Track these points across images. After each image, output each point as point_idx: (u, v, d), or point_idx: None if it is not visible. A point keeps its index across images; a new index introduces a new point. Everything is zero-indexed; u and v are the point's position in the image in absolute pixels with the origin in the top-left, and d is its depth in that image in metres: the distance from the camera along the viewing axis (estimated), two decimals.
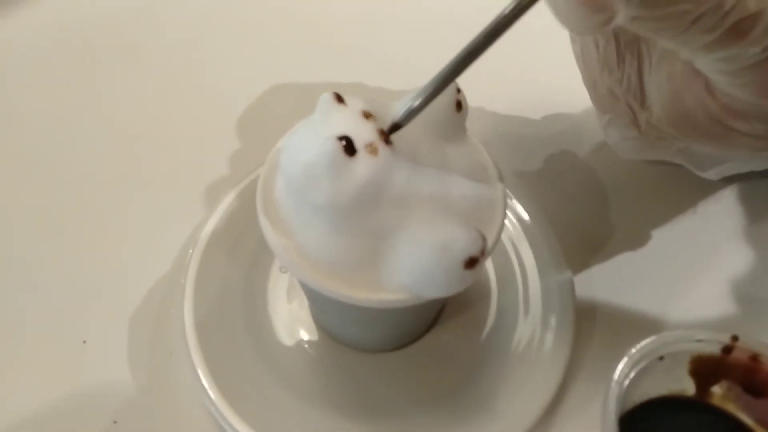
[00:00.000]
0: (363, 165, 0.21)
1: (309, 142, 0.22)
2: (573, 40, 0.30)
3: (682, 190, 0.36)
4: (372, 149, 0.21)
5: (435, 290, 0.22)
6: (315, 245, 0.22)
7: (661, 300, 0.33)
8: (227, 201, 0.33)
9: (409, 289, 0.22)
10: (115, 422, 0.29)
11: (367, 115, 0.22)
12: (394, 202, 0.22)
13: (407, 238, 0.22)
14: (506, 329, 0.31)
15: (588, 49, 0.29)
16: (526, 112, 0.40)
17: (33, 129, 0.40)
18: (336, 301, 0.23)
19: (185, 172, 0.37)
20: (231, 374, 0.29)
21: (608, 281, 0.33)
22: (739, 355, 0.25)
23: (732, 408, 0.26)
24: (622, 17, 0.18)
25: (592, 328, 0.32)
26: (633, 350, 0.25)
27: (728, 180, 0.36)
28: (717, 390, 0.26)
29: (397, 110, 0.22)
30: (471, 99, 0.25)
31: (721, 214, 0.36)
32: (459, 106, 0.24)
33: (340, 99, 0.23)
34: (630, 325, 0.32)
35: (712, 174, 0.32)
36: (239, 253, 0.32)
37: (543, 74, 0.41)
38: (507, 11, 0.19)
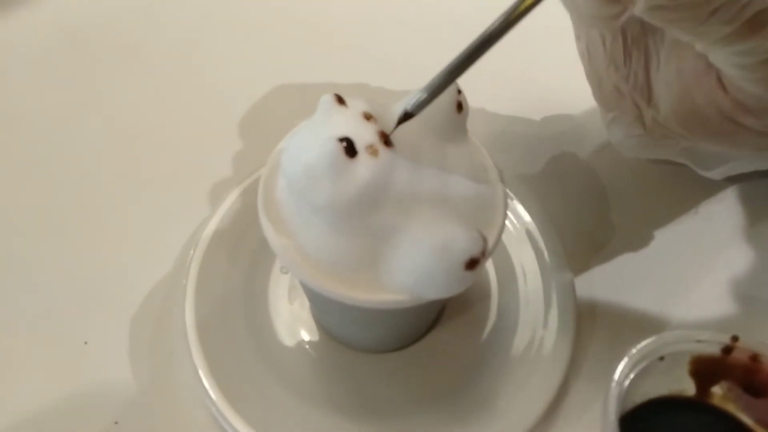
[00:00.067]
0: (363, 166, 0.21)
1: (310, 143, 0.22)
2: (578, 38, 0.30)
3: (684, 190, 0.36)
4: (372, 151, 0.21)
5: (435, 291, 0.22)
6: (316, 246, 0.22)
7: (661, 300, 0.33)
8: (228, 201, 0.33)
9: (410, 289, 0.22)
10: (116, 423, 0.29)
11: (368, 117, 0.22)
12: (394, 203, 0.22)
13: (408, 238, 0.22)
14: (507, 330, 0.31)
15: (594, 45, 0.29)
16: (527, 112, 0.40)
17: (33, 129, 0.40)
18: (336, 301, 0.23)
19: (186, 172, 0.37)
20: (232, 374, 0.29)
21: (609, 281, 0.33)
22: (739, 355, 0.25)
23: (732, 408, 0.26)
24: (640, 7, 0.18)
25: (593, 328, 0.32)
26: (633, 350, 0.25)
27: (731, 180, 0.36)
28: (717, 390, 0.26)
29: (405, 102, 0.22)
30: (472, 100, 0.25)
31: (723, 215, 0.36)
32: (460, 107, 0.24)
33: (340, 100, 0.23)
34: (630, 326, 0.32)
35: (716, 173, 0.32)
36: (240, 253, 0.32)
37: (544, 74, 0.41)
38: (512, 8, 0.19)
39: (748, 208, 0.36)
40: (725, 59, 0.22)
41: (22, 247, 0.35)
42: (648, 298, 0.33)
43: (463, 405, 0.29)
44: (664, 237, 0.35)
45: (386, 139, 0.22)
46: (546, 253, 0.33)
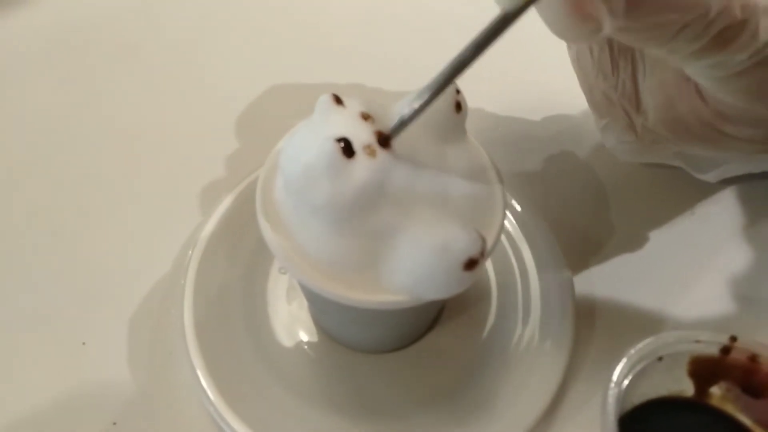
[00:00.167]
0: (361, 167, 0.21)
1: (308, 143, 0.22)
2: (569, 46, 0.31)
3: (681, 192, 0.36)
4: (370, 151, 0.21)
5: (434, 291, 0.22)
6: (314, 246, 0.22)
7: (660, 300, 0.33)
8: (227, 202, 0.33)
9: (409, 290, 0.22)
10: (114, 423, 0.29)
11: (366, 117, 0.22)
12: (393, 204, 0.22)
13: (406, 239, 0.22)
14: (506, 330, 0.31)
15: (583, 55, 0.29)
16: (525, 113, 0.40)
17: (32, 129, 0.40)
18: (335, 302, 0.23)
19: (185, 172, 0.37)
20: (230, 375, 0.29)
21: (607, 282, 0.33)
22: (737, 355, 0.25)
23: (731, 408, 0.26)
24: (608, 28, 0.18)
25: (592, 328, 0.32)
26: (632, 351, 0.25)
27: (726, 182, 0.36)
28: (716, 391, 0.26)
29: (400, 108, 0.22)
30: (470, 100, 0.25)
31: (719, 216, 0.36)
32: (458, 107, 0.24)
33: (338, 100, 0.23)
34: (629, 326, 0.32)
35: (710, 176, 0.33)
36: (239, 253, 0.32)
37: (542, 75, 0.41)
38: (495, 21, 0.19)
39: (744, 209, 0.36)
40: (698, 72, 0.22)
41: (20, 248, 0.35)
42: (646, 298, 0.33)
43: (462, 405, 0.29)
44: (662, 238, 0.35)
45: (384, 140, 0.22)
46: (544, 254, 0.33)
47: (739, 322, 0.32)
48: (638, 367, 0.25)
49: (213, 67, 0.44)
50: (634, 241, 0.35)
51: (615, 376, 0.24)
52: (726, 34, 0.20)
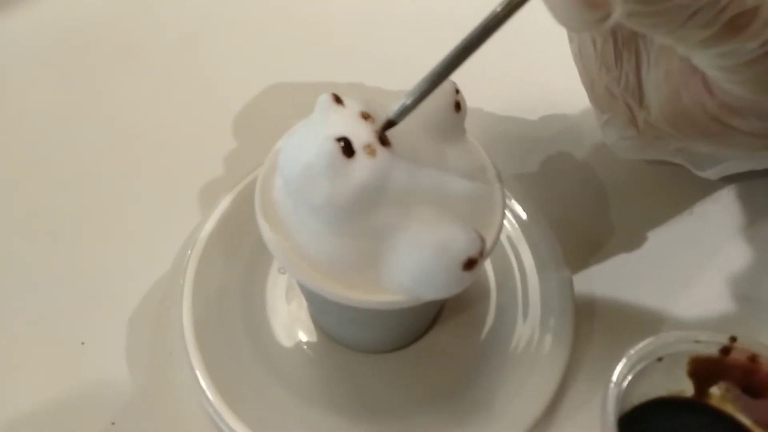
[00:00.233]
0: (361, 166, 0.21)
1: (307, 142, 0.22)
2: (571, 39, 0.30)
3: (681, 190, 0.36)
4: (370, 150, 0.21)
5: (433, 291, 0.22)
6: (313, 246, 0.22)
7: (659, 300, 0.33)
8: (226, 202, 0.33)
9: (408, 290, 0.22)
10: (113, 423, 0.29)
11: (366, 116, 0.22)
12: (392, 203, 0.22)
13: (406, 239, 0.22)
14: (505, 330, 0.31)
15: (586, 47, 0.29)
16: (525, 112, 0.40)
17: (31, 129, 0.40)
18: (334, 302, 0.23)
19: (184, 172, 0.37)
20: (229, 375, 0.29)
21: (607, 281, 0.33)
22: (737, 355, 0.25)
23: (730, 409, 0.26)
24: (618, 13, 0.18)
25: (591, 328, 0.32)
26: (632, 351, 0.25)
27: (727, 179, 0.36)
28: (715, 391, 0.26)
29: (391, 108, 0.22)
30: (470, 99, 0.25)
31: (719, 214, 0.36)
32: (458, 106, 0.24)
33: (338, 100, 0.23)
34: (629, 325, 0.32)
35: (711, 173, 0.32)
36: (238, 253, 0.32)
37: (542, 74, 0.41)
38: (499, 9, 0.19)
39: (745, 208, 0.36)
40: (707, 62, 0.22)
41: (18, 248, 0.35)
42: (646, 297, 0.33)
43: (462, 405, 0.29)
44: (662, 237, 0.35)
45: (384, 139, 0.22)
46: (544, 253, 0.33)
47: (738, 322, 0.32)
48: (638, 368, 0.25)
49: (213, 66, 0.44)
50: (634, 241, 0.35)
51: (615, 377, 0.24)
52: (737, 22, 0.19)
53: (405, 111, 0.22)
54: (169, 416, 0.29)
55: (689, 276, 0.34)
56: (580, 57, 0.30)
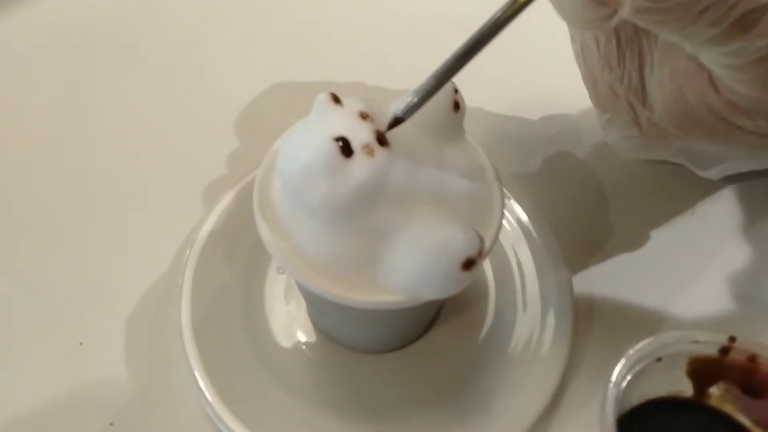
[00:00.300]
0: (359, 166, 0.21)
1: (305, 142, 0.22)
2: (573, 39, 0.30)
3: (682, 190, 0.36)
4: (369, 150, 0.21)
5: (432, 291, 0.22)
6: (312, 246, 0.22)
7: (659, 300, 0.33)
8: (225, 201, 0.33)
9: (407, 290, 0.22)
10: (111, 424, 0.29)
11: (364, 116, 0.22)
12: (391, 203, 0.22)
13: (405, 239, 0.22)
14: (504, 330, 0.31)
15: (588, 47, 0.29)
16: (524, 112, 0.40)
17: (30, 129, 0.40)
18: (333, 302, 0.23)
19: (183, 172, 0.37)
20: (228, 376, 0.29)
21: (607, 281, 0.33)
22: (736, 356, 0.25)
23: (730, 409, 0.26)
24: (627, 10, 0.18)
25: (591, 328, 0.32)
26: (631, 351, 0.25)
27: (728, 179, 0.36)
28: (715, 391, 0.26)
29: (396, 106, 0.22)
30: (469, 99, 0.25)
31: (720, 214, 0.36)
32: (457, 106, 0.24)
33: (336, 99, 0.23)
34: (628, 325, 0.32)
35: (713, 173, 0.32)
36: (236, 253, 0.32)
37: (541, 74, 0.41)
38: (507, 6, 0.19)
39: (745, 208, 0.36)
40: (715, 60, 0.22)
41: (17, 248, 0.35)
42: (645, 297, 0.33)
43: (461, 405, 0.29)
44: (662, 237, 0.35)
45: (382, 139, 0.22)
46: (543, 253, 0.33)
47: (738, 322, 0.32)
48: (637, 368, 0.25)
49: (212, 66, 0.44)
50: (634, 241, 0.35)
51: (614, 377, 0.24)
52: (747, 19, 0.19)
53: (412, 108, 0.22)
54: (168, 416, 0.29)
55: (689, 276, 0.34)
56: (582, 57, 0.30)
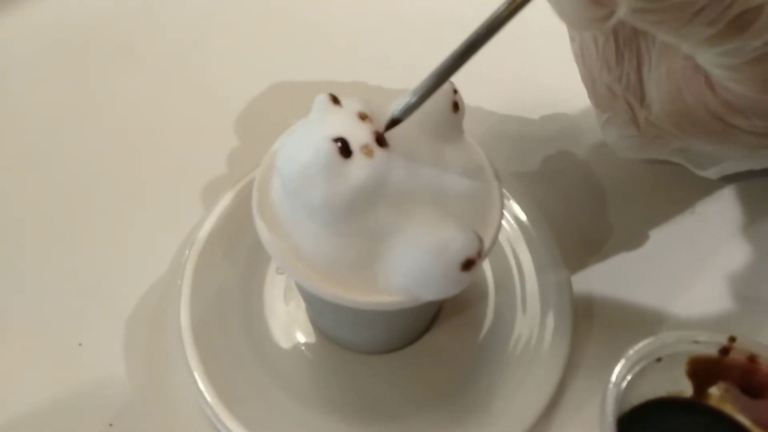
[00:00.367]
0: (358, 167, 0.21)
1: (304, 143, 0.22)
2: (572, 39, 0.30)
3: (681, 190, 0.36)
4: (368, 151, 0.21)
5: (432, 292, 0.22)
6: (311, 246, 0.22)
7: (658, 300, 0.32)
8: (224, 202, 0.33)
9: (406, 290, 0.22)
10: (111, 425, 0.29)
11: (363, 117, 0.22)
12: (390, 204, 0.22)
13: (404, 239, 0.22)
14: (504, 330, 0.31)
15: (587, 47, 0.29)
16: (523, 111, 0.40)
17: (29, 129, 0.40)
18: (332, 303, 0.22)
19: (182, 172, 0.37)
20: (227, 376, 0.29)
21: (606, 281, 0.33)
22: (736, 356, 0.25)
23: (730, 409, 0.26)
24: (623, 10, 0.18)
25: (590, 328, 0.32)
26: (630, 352, 0.25)
27: (727, 179, 0.36)
28: (714, 391, 0.26)
29: (394, 107, 0.22)
30: (468, 99, 0.25)
31: (719, 214, 0.36)
32: (456, 107, 0.24)
33: (335, 100, 0.23)
34: (628, 325, 0.32)
35: (711, 173, 0.32)
36: (236, 254, 0.32)
37: (541, 74, 0.41)
38: (504, 5, 0.19)
39: (745, 208, 0.36)
40: (710, 60, 0.22)
41: (16, 248, 0.34)
42: (645, 297, 0.33)
43: (461, 406, 0.29)
44: (661, 236, 0.35)
45: (381, 139, 0.22)
46: (543, 253, 0.33)
47: (738, 322, 0.32)
48: (637, 368, 0.25)
49: (212, 66, 0.43)
50: (633, 241, 0.35)
51: (613, 377, 0.24)
52: (743, 20, 0.19)
53: (410, 109, 0.22)
54: (167, 417, 0.29)
55: (688, 276, 0.33)
56: (581, 56, 0.30)
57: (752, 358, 0.25)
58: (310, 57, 0.44)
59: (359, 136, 0.22)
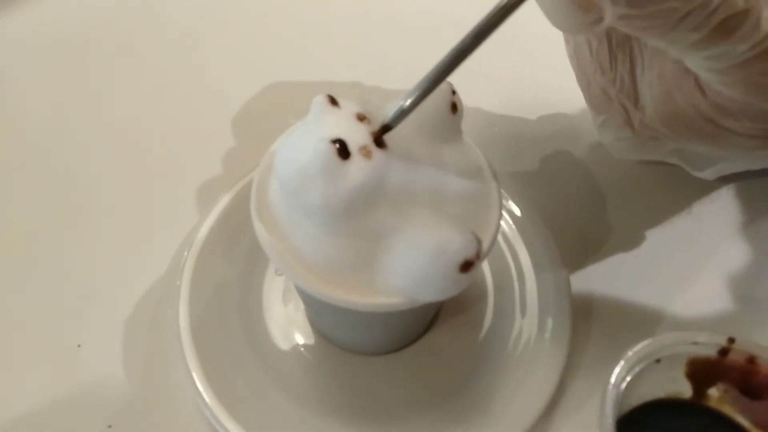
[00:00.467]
0: (357, 168, 0.21)
1: (303, 144, 0.22)
2: (567, 41, 0.30)
3: (678, 190, 0.36)
4: (366, 152, 0.21)
5: (430, 293, 0.22)
6: (310, 248, 0.22)
7: (657, 300, 0.32)
8: (223, 203, 0.33)
9: (405, 292, 0.22)
10: (109, 426, 0.29)
11: (361, 118, 0.22)
12: (388, 205, 0.22)
13: (402, 240, 0.22)
14: (503, 331, 0.31)
15: (581, 49, 0.29)
16: (521, 112, 0.40)
17: (29, 128, 0.40)
18: (331, 304, 0.22)
19: (181, 173, 0.37)
20: (226, 377, 0.29)
21: (605, 281, 0.33)
22: (735, 357, 0.25)
23: (729, 410, 0.26)
24: (609, 16, 0.18)
25: (589, 328, 0.32)
26: (630, 353, 0.24)
27: (724, 179, 0.36)
28: (714, 392, 0.26)
29: (388, 111, 0.22)
30: (466, 99, 0.25)
31: (716, 214, 0.36)
32: (454, 108, 0.24)
33: (333, 101, 0.23)
34: (627, 326, 0.32)
35: (708, 174, 0.32)
36: (234, 255, 0.32)
37: (538, 74, 0.41)
38: (494, 11, 0.19)
39: (741, 208, 0.36)
40: (698, 64, 0.22)
41: (14, 249, 0.34)
42: (643, 298, 0.33)
43: (460, 406, 0.29)
44: (659, 237, 0.35)
45: (380, 141, 0.22)
46: (541, 254, 0.33)
47: (737, 322, 0.32)
48: (636, 369, 0.24)
49: (211, 66, 0.43)
50: (632, 241, 0.35)
51: (613, 378, 0.24)
52: (728, 24, 0.20)
53: (401, 115, 0.22)
54: (166, 418, 0.29)
55: (687, 276, 0.33)
56: (575, 59, 0.30)
57: (751, 360, 0.25)
58: (309, 57, 0.44)
59: (357, 137, 0.21)
